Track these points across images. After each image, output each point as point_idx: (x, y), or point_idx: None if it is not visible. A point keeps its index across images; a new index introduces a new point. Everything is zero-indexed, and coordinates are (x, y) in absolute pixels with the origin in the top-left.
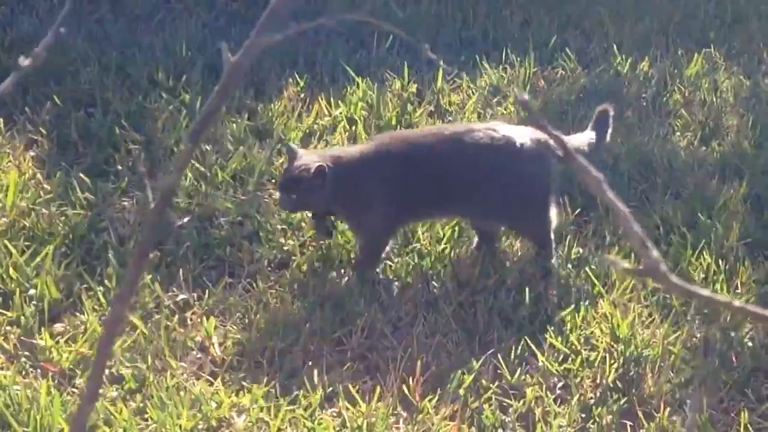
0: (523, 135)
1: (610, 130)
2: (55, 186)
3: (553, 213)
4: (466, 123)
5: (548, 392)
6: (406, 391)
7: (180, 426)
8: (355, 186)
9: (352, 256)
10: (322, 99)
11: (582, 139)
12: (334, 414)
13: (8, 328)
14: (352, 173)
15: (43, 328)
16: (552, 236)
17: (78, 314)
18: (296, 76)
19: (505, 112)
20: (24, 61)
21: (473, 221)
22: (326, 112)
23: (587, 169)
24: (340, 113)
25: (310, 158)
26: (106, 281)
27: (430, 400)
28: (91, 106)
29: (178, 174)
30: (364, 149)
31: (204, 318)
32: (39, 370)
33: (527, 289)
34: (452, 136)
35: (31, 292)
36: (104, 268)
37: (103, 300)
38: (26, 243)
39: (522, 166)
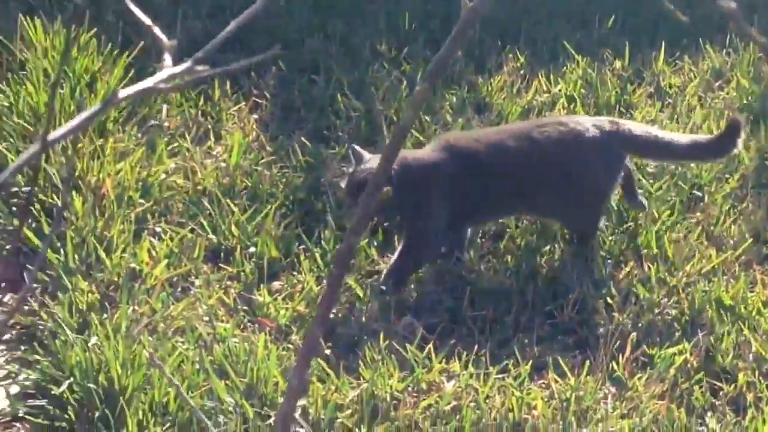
0: (593, 128)
1: (740, 141)
2: (277, 148)
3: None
4: (535, 119)
5: (761, 378)
6: (615, 367)
7: (390, 386)
8: (419, 189)
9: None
10: (541, 76)
11: (680, 137)
12: (543, 385)
13: (228, 282)
14: (418, 176)
15: (261, 285)
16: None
17: (295, 273)
18: (517, 52)
19: (726, 96)
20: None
21: (532, 219)
22: (545, 89)
23: None
24: (559, 90)
25: (376, 161)
26: (323, 243)
27: (639, 378)
28: (314, 74)
29: (414, 114)
30: (429, 150)
31: (417, 284)
32: (256, 325)
33: (743, 274)
34: (520, 132)
35: (252, 249)
36: (322, 230)
37: (320, 261)
38: (248, 202)
39: (591, 162)
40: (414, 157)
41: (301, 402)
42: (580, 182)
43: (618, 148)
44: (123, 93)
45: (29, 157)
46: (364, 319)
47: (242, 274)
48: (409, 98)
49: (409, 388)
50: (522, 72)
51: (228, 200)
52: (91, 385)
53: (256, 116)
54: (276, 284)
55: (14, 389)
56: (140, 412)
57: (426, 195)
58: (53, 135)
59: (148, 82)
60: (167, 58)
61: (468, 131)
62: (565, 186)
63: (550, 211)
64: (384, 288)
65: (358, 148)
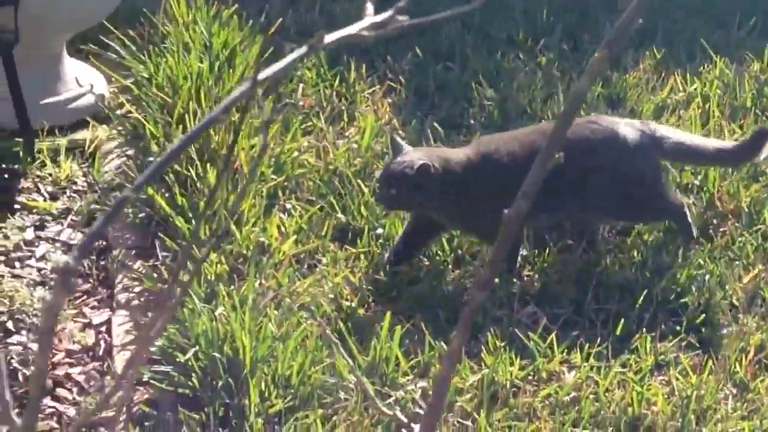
0: (626, 127)
1: (765, 150)
2: (409, 133)
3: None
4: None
5: None
6: (737, 368)
7: (511, 374)
8: (463, 192)
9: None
10: (677, 74)
11: (706, 142)
12: (664, 382)
13: (355, 262)
14: (459, 178)
15: (387, 266)
16: (685, 211)
17: (422, 258)
18: (653, 49)
19: None
20: None
21: (588, 219)
22: (680, 88)
23: None
24: (695, 89)
25: (415, 155)
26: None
27: (761, 381)
28: (450, 60)
29: (590, 81)
30: (470, 152)
31: (542, 275)
32: (380, 306)
33: None
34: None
35: (379, 231)
36: None
37: (446, 246)
38: (377, 184)
39: (625, 159)
40: (455, 158)
41: (422, 384)
42: (618, 180)
43: (651, 148)
44: (328, 38)
45: (240, 95)
46: (487, 305)
47: (369, 254)
48: (543, 90)
49: (530, 377)
50: (658, 69)
51: (359, 181)
52: (216, 354)
53: (389, 100)
54: (402, 267)
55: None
56: (263, 384)
57: (468, 196)
58: (262, 74)
59: (351, 29)
60: (369, 8)
61: (503, 132)
62: (604, 185)
63: (597, 210)
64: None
65: (398, 139)
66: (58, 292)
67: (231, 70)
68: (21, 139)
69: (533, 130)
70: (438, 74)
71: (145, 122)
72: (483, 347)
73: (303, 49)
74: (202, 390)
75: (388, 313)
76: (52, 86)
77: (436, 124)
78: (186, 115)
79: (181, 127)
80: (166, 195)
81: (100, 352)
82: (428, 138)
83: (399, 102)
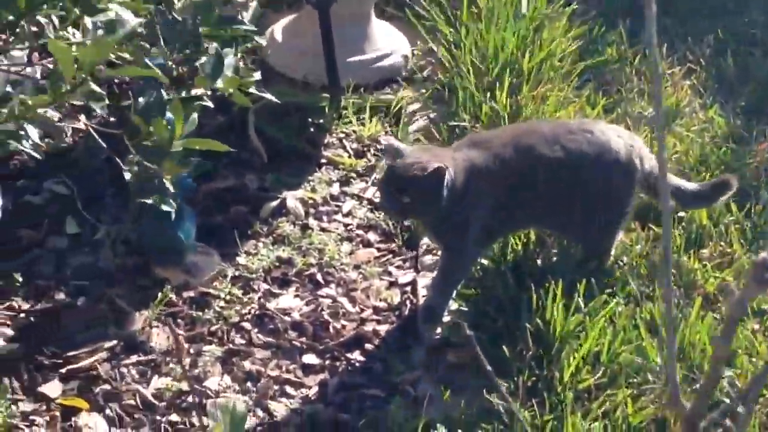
0: (617, 140)
1: (723, 199)
2: (709, 117)
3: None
4: (561, 121)
5: None
6: None
7: None
8: (463, 194)
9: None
10: None
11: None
12: None
13: (655, 242)
14: (462, 178)
15: (691, 251)
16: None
17: (723, 244)
18: None
19: None
20: None
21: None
22: None
23: None
24: None
25: (425, 156)
26: (753, 216)
27: None
28: (751, 46)
29: None
30: (466, 150)
31: None
32: (683, 290)
33: None
34: (552, 136)
35: (680, 214)
36: (753, 204)
37: (749, 234)
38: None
39: (612, 176)
40: (463, 156)
41: (728, 372)
42: (606, 199)
43: (635, 166)
44: None
45: None
46: None
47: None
48: None
49: None
50: None
51: None
52: (527, 325)
53: (688, 82)
54: (704, 252)
55: (445, 318)
56: (571, 357)
57: (469, 201)
58: None
59: None
60: None
61: (489, 131)
62: (589, 201)
63: (565, 227)
64: (422, 326)
65: (393, 141)
66: (752, 284)
67: (538, 43)
68: (328, 95)
69: (524, 129)
70: (739, 59)
71: (456, 87)
72: None
73: None
74: (511, 358)
75: (698, 299)
76: (359, 45)
77: (738, 111)
78: (496, 84)
79: (488, 94)
80: None
81: (406, 312)
82: (731, 124)
83: (698, 84)
